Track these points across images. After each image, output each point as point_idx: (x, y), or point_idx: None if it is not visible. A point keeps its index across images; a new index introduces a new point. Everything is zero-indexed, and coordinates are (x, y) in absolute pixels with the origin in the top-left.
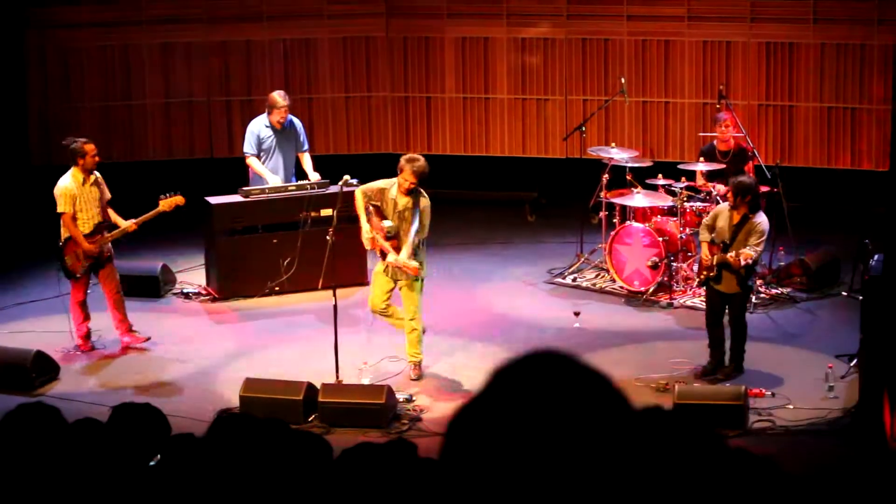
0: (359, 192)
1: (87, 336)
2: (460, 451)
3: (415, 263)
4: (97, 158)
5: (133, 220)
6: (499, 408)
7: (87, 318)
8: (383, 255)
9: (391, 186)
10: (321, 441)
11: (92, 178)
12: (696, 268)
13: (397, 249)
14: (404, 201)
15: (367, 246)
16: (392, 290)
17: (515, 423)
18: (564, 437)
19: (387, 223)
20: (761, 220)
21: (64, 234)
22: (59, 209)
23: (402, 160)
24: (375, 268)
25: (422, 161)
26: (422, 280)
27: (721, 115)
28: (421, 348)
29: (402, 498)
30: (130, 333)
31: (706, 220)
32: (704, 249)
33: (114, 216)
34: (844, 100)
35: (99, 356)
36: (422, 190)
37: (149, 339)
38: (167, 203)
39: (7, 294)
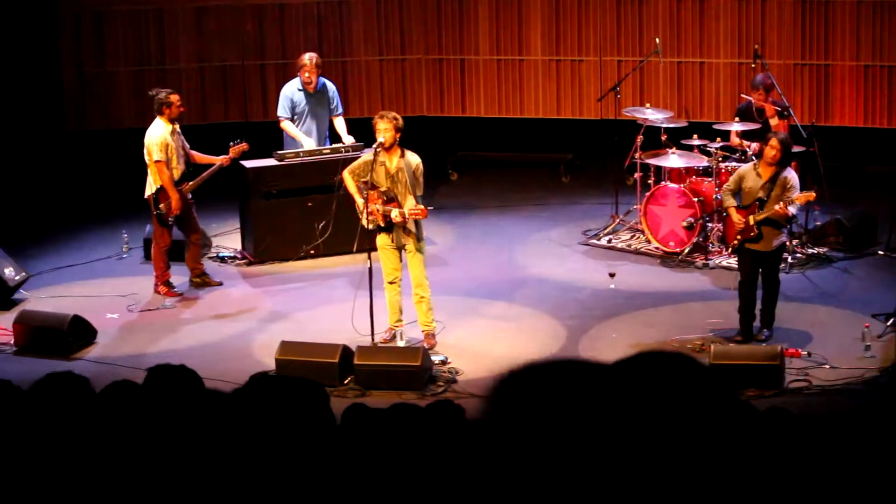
0: (346, 174)
1: (169, 283)
2: (507, 413)
3: (422, 206)
4: (182, 108)
5: (223, 156)
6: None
7: (169, 265)
8: (381, 227)
9: (375, 154)
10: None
11: (176, 127)
12: (721, 234)
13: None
14: (395, 163)
15: (369, 224)
16: (400, 258)
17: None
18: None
19: (382, 188)
20: (792, 173)
21: (155, 182)
22: (155, 157)
23: (375, 118)
24: (378, 242)
25: (391, 112)
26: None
27: (758, 77)
28: (433, 316)
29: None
30: (202, 277)
31: (729, 185)
32: (735, 215)
33: (206, 157)
34: (881, 58)
35: (142, 318)
36: (408, 150)
37: (220, 283)
38: (235, 150)
39: (43, 259)
